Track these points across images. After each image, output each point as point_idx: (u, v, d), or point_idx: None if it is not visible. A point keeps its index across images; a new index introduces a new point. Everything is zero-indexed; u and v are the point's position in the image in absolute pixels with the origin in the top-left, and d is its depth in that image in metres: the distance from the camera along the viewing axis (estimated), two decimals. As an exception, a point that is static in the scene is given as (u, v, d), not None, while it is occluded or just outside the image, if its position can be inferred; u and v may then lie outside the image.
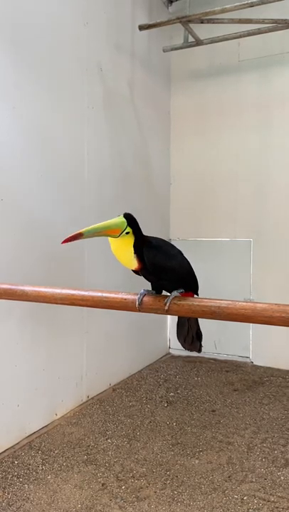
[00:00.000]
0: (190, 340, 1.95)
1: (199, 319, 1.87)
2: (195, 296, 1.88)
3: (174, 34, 4.85)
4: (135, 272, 1.84)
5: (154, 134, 4.89)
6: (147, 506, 2.45)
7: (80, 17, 3.62)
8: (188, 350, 2.02)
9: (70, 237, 1.69)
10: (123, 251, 1.75)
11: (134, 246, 1.74)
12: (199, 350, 1.99)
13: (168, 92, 5.16)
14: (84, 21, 3.65)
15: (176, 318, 1.95)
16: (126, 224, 1.71)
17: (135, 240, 1.74)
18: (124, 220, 1.72)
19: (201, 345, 1.98)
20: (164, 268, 1.77)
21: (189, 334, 1.94)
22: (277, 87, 4.65)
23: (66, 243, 1.70)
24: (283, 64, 4.61)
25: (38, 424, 3.28)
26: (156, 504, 2.47)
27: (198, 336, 1.95)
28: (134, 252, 1.73)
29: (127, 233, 1.72)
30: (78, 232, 1.69)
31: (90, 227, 1.70)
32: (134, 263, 1.75)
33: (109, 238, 1.74)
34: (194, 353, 4.93)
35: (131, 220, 1.74)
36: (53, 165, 3.38)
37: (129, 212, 1.74)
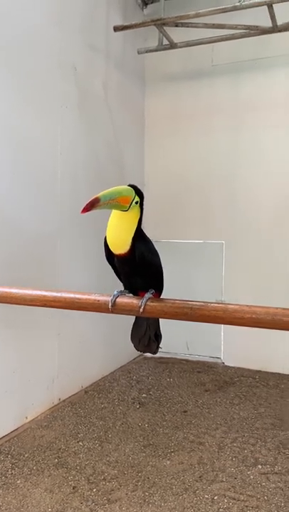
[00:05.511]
0: (146, 342, 1.88)
1: (162, 320, 1.80)
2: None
3: (149, 36, 4.88)
4: (110, 259, 1.78)
5: (128, 135, 4.89)
6: (118, 508, 2.44)
7: (53, 16, 3.58)
8: (141, 352, 1.93)
9: (88, 204, 1.58)
10: (125, 225, 1.69)
11: (138, 224, 1.68)
12: (155, 352, 1.92)
13: (142, 94, 5.17)
14: (57, 20, 3.62)
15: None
16: (134, 192, 1.68)
17: (140, 216, 1.71)
18: (131, 188, 1.69)
19: (158, 347, 1.91)
20: (150, 263, 1.73)
21: (146, 335, 1.87)
22: (248, 93, 4.73)
23: (85, 212, 1.59)
24: (254, 70, 4.69)
25: (7, 427, 3.22)
26: (128, 506, 2.46)
27: (157, 337, 1.89)
28: (134, 235, 1.67)
29: (136, 203, 1.69)
30: (95, 197, 1.59)
31: (105, 191, 1.61)
32: (126, 246, 1.68)
33: (113, 211, 1.69)
34: (167, 355, 5.00)
35: (137, 189, 1.70)
36: (26, 164, 3.32)
37: None
